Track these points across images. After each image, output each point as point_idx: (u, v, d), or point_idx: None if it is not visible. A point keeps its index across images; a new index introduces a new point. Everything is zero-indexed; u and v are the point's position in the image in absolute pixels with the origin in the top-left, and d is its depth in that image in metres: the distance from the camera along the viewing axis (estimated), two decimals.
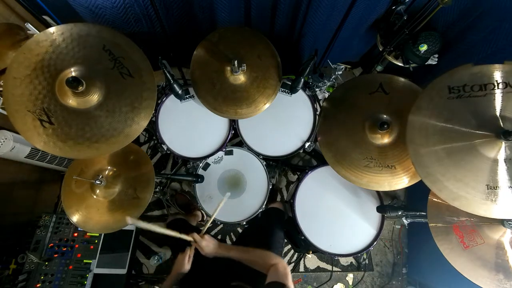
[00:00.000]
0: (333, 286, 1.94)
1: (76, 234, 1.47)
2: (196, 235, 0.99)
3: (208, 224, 1.06)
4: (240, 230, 1.97)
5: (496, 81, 0.86)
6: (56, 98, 0.94)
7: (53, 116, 0.94)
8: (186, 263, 0.99)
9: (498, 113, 0.84)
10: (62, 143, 0.95)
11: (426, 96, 0.93)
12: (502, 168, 0.81)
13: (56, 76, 0.94)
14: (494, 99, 0.85)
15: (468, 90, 0.88)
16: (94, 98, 0.96)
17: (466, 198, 0.82)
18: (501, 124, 0.82)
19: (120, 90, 0.99)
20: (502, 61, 0.87)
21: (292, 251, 1.95)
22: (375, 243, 1.30)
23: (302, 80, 1.22)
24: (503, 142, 0.80)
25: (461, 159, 0.84)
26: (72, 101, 0.95)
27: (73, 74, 0.94)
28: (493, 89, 0.85)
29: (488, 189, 0.81)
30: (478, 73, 0.88)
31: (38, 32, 0.99)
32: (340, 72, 1.38)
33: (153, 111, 1.04)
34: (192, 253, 1.00)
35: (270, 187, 1.41)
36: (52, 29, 0.96)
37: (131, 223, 0.88)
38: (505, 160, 0.81)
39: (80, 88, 0.91)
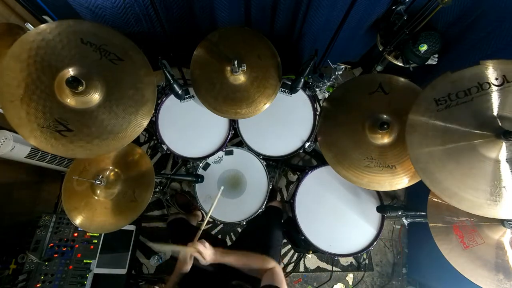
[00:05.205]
0: (333, 286, 1.94)
1: (76, 234, 1.47)
2: (200, 246, 0.94)
3: (205, 223, 1.04)
4: (240, 230, 1.97)
5: (478, 82, 0.84)
6: (64, 106, 0.93)
7: (69, 123, 0.93)
8: (188, 258, 0.96)
9: (495, 113, 0.83)
10: (89, 144, 0.95)
11: (416, 113, 0.91)
12: (504, 168, 0.80)
13: (52, 85, 0.92)
14: (484, 100, 0.83)
15: (454, 98, 0.86)
16: (97, 93, 0.96)
17: (471, 201, 0.82)
18: (500, 124, 0.81)
19: (117, 76, 0.98)
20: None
21: (292, 251, 1.95)
22: (375, 243, 1.30)
23: (302, 80, 1.22)
24: (503, 142, 0.80)
25: (464, 161, 0.84)
26: (78, 103, 0.94)
27: (72, 73, 0.93)
28: (478, 91, 0.84)
29: (492, 190, 0.80)
30: (459, 80, 0.87)
31: None
32: (340, 72, 1.37)
33: (155, 101, 1.04)
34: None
35: (270, 187, 1.41)
36: (30, 33, 0.92)
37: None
38: (507, 160, 0.80)
39: (80, 88, 0.91)
